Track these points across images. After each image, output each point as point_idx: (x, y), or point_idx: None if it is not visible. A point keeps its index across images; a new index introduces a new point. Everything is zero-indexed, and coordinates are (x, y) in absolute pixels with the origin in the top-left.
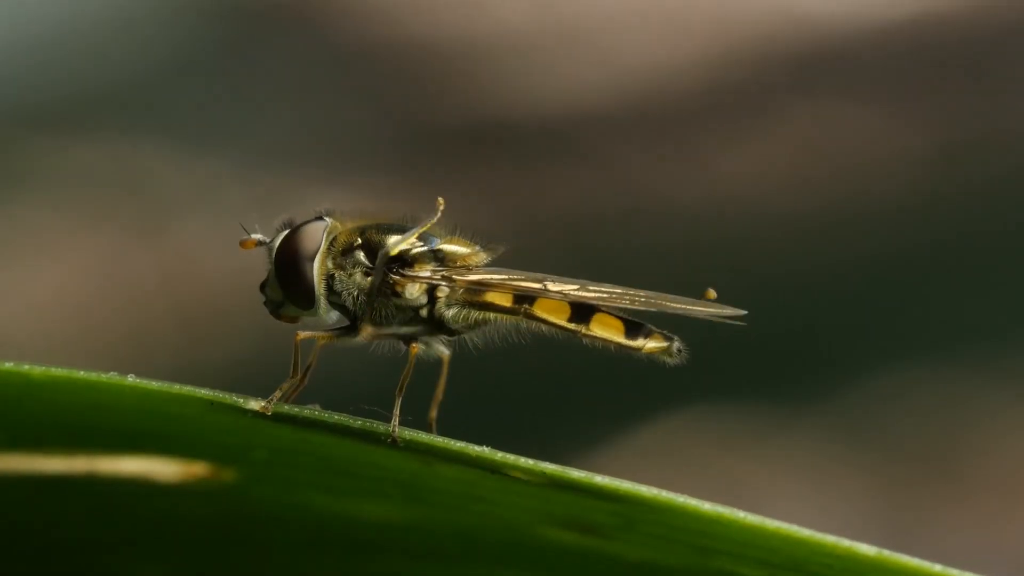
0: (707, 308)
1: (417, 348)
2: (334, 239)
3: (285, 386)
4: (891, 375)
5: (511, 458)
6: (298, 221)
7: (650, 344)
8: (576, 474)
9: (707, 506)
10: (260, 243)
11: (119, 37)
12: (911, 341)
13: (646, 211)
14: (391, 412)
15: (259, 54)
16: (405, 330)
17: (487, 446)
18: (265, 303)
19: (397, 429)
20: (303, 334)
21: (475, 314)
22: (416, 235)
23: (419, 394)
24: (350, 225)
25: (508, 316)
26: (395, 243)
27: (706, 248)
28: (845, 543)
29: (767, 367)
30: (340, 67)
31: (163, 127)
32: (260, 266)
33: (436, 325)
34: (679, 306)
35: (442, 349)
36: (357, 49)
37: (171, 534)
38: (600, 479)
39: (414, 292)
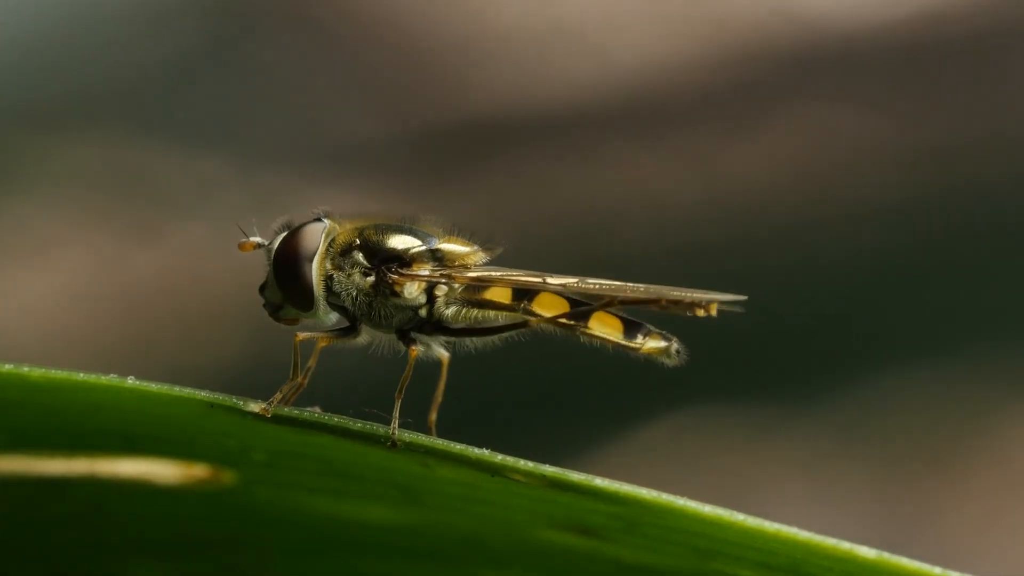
0: (707, 296)
1: (416, 351)
2: (332, 240)
3: (285, 388)
4: (891, 375)
5: (511, 460)
6: (296, 223)
7: (649, 344)
8: (576, 476)
9: (707, 508)
10: (259, 246)
11: (119, 37)
12: (911, 341)
13: (645, 210)
14: (391, 415)
15: (259, 54)
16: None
17: (487, 448)
18: (265, 306)
19: (397, 432)
20: (302, 335)
21: (474, 312)
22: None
23: (419, 397)
24: (348, 226)
25: (507, 313)
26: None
27: (705, 247)
28: (845, 546)
29: (767, 367)
30: (340, 67)
31: (163, 127)
32: (260, 266)
33: (436, 325)
34: (679, 295)
35: (441, 351)
36: (356, 49)
37: (171, 536)
38: (600, 481)
39: (413, 291)
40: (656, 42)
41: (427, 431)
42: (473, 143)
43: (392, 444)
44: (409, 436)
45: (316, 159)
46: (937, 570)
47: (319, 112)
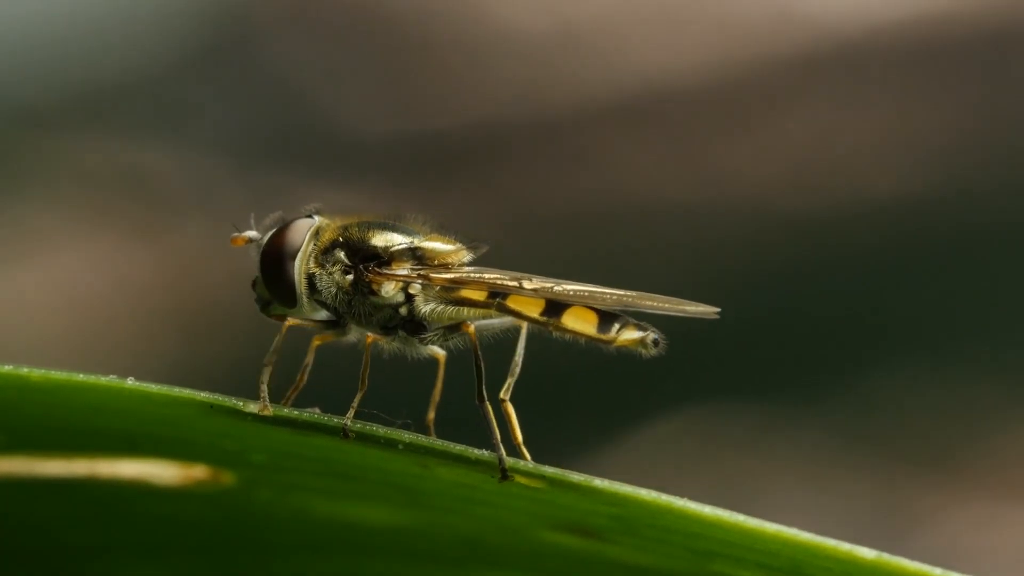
0: (682, 307)
1: (372, 338)
2: (318, 237)
3: (265, 375)
4: (891, 375)
5: (511, 461)
6: (287, 219)
7: (623, 336)
8: (575, 477)
9: (706, 509)
10: (251, 240)
11: (119, 37)
12: (911, 341)
13: (645, 211)
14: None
15: (258, 54)
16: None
17: (487, 449)
18: (256, 300)
19: (349, 422)
20: (291, 321)
21: (451, 310)
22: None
23: (417, 396)
24: (336, 223)
25: (482, 311)
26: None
27: (706, 247)
28: (845, 547)
29: (766, 367)
30: (341, 67)
31: (163, 127)
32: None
33: (419, 324)
34: (653, 304)
35: (437, 350)
36: (356, 49)
37: (170, 537)
38: (599, 482)
39: (390, 290)
40: (659, 44)
41: (426, 431)
42: (473, 144)
43: (344, 434)
44: (408, 436)
45: (317, 159)
46: (937, 571)
47: (320, 112)
